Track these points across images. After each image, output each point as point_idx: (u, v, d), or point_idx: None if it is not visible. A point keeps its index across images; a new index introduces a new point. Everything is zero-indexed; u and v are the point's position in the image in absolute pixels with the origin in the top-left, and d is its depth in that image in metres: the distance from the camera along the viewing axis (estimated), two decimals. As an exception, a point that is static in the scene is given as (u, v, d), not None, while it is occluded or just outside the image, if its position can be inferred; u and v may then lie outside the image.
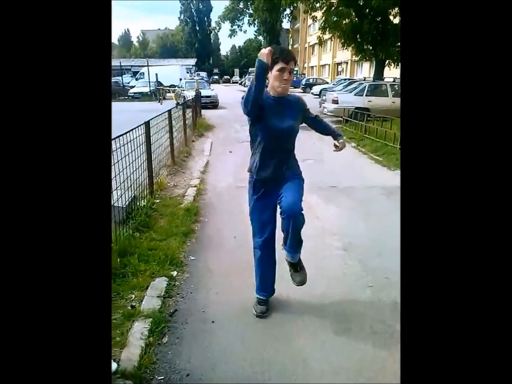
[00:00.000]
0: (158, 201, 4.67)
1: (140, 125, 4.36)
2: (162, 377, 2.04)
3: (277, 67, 2.26)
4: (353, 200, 5.03)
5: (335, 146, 2.57)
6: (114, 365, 2.02)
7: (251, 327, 2.47)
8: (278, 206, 2.37)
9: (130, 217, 3.86)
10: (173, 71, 28.94)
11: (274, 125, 2.33)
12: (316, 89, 24.73)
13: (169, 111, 6.49)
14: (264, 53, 2.07)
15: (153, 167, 4.84)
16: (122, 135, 3.69)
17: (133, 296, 2.71)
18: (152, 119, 4.92)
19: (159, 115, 5.60)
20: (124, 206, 3.83)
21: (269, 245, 2.54)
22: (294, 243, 2.38)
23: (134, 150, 3.99)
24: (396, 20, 15.24)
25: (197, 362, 2.15)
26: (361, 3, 14.65)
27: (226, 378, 2.04)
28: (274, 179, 2.40)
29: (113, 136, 3.18)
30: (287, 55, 2.29)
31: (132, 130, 4.02)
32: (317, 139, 9.88)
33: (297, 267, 2.53)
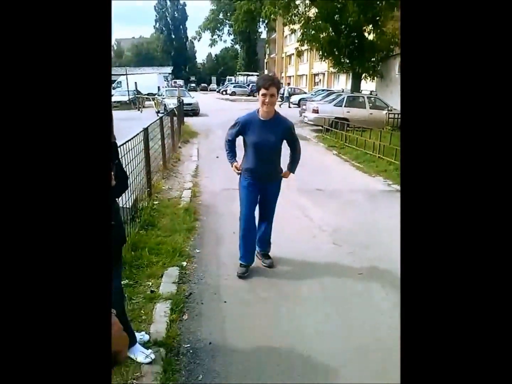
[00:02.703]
0: (157, 202, 4.94)
1: (139, 132, 4.60)
2: (188, 345, 2.35)
3: (260, 93, 2.90)
4: (339, 202, 5.46)
5: (284, 174, 3.33)
6: (146, 336, 2.32)
7: (257, 305, 2.82)
8: (258, 215, 3.39)
9: (135, 217, 4.13)
10: (150, 80, 28.92)
11: (259, 141, 3.01)
12: (294, 98, 25.46)
13: (161, 118, 6.77)
14: (235, 170, 3.21)
15: (150, 171, 5.11)
16: (125, 143, 3.88)
17: (150, 283, 3.00)
18: (149, 126, 5.19)
19: (153, 122, 5.88)
20: (129, 207, 4.09)
21: (250, 220, 3.28)
22: (266, 243, 3.50)
23: (137, 155, 4.25)
24: (371, 37, 16.12)
25: (216, 333, 2.48)
26: (337, 19, 15.43)
27: (240, 345, 2.39)
28: (257, 177, 3.15)
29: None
30: (266, 82, 2.89)
31: (133, 137, 4.19)
32: (301, 147, 10.37)
33: (268, 256, 3.51)
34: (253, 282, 3.16)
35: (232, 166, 3.23)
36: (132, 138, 4.07)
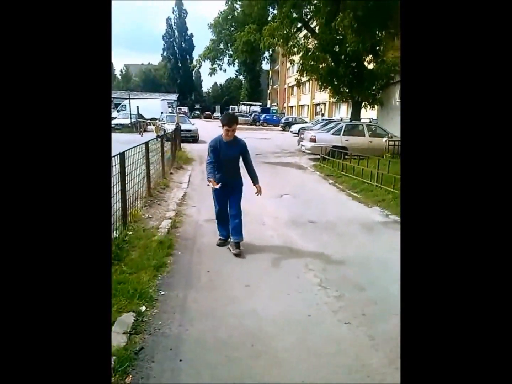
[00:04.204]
0: (131, 233, 4.53)
1: (114, 156, 4.28)
2: (122, 424, 1.87)
3: (224, 128, 4.24)
4: (332, 235, 5.02)
5: (256, 193, 4.40)
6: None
7: (221, 367, 2.33)
8: (228, 209, 4.43)
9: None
10: (154, 105, 29.22)
11: (225, 155, 4.26)
12: (294, 127, 25.43)
13: (146, 143, 6.46)
14: (212, 184, 4.11)
15: (126, 198, 4.73)
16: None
17: (97, 332, 2.54)
18: (126, 150, 4.87)
19: (135, 146, 5.56)
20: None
21: (223, 211, 4.48)
22: (238, 233, 4.34)
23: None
24: (371, 66, 16.12)
25: (162, 405, 2.00)
26: (336, 49, 15.47)
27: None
28: (226, 178, 4.26)
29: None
30: (229, 121, 4.25)
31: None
32: (297, 176, 10.04)
33: (238, 245, 4.31)
34: (221, 337, 2.69)
35: (210, 181, 4.14)
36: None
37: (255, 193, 4.29)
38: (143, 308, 2.90)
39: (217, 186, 4.04)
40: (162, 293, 3.22)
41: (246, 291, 3.35)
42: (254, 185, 4.39)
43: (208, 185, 7.92)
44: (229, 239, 4.45)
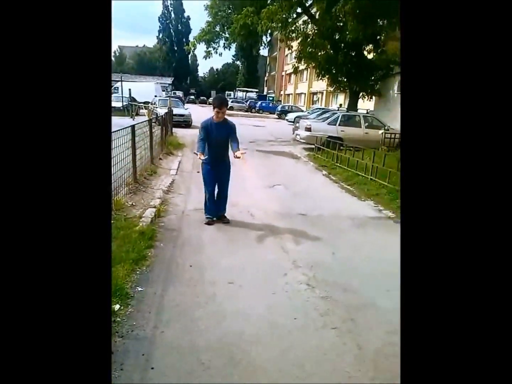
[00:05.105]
0: (111, 222, 4.28)
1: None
2: None
3: (215, 110, 4.55)
4: (322, 230, 4.82)
5: (236, 156, 4.47)
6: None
7: (194, 377, 2.13)
8: (216, 191, 4.84)
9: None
10: (148, 88, 28.55)
11: (214, 136, 4.55)
12: (290, 116, 25.07)
13: (133, 126, 6.15)
14: (199, 156, 4.47)
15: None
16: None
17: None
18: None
19: (121, 129, 5.27)
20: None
21: (212, 191, 4.79)
22: (223, 208, 4.90)
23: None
24: (370, 56, 15.80)
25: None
26: (336, 37, 15.09)
27: None
28: (215, 159, 4.61)
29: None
30: (219, 103, 4.57)
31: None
32: (290, 166, 9.80)
33: (224, 217, 4.89)
34: (195, 345, 2.48)
35: (198, 154, 4.45)
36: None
37: (235, 157, 4.49)
38: (117, 307, 2.69)
39: (203, 158, 4.44)
40: (139, 289, 3.01)
41: (229, 289, 3.15)
42: (235, 150, 4.54)
43: (198, 172, 7.79)
44: (214, 219, 4.84)
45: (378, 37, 15.02)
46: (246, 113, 36.36)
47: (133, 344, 2.34)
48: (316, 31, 15.44)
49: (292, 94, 46.67)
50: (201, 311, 2.77)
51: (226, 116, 4.69)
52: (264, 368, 2.23)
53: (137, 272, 3.27)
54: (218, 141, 4.57)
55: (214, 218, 4.82)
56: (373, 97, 17.26)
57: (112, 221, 4.29)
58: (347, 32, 13.47)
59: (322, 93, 34.59)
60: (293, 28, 15.51)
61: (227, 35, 16.69)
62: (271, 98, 46.73)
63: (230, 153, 4.71)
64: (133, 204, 5.23)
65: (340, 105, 17.61)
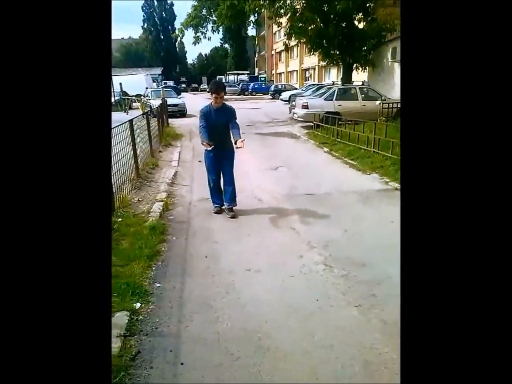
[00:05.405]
0: (120, 219, 4.25)
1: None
2: None
3: (213, 95, 4.46)
4: (331, 208, 4.78)
5: (237, 147, 4.40)
6: None
7: (225, 369, 2.13)
8: (222, 179, 4.69)
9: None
10: (138, 80, 28.16)
11: (214, 121, 4.46)
12: (285, 95, 24.73)
13: (131, 121, 6.07)
14: (206, 146, 4.32)
15: (112, 182, 4.42)
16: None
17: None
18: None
19: (119, 125, 5.18)
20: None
21: (217, 179, 4.67)
22: (232, 199, 4.66)
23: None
24: (361, 25, 15.43)
25: (163, 419, 1.80)
26: (325, 9, 14.70)
27: None
28: (217, 146, 4.37)
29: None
30: (217, 88, 4.44)
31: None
32: (290, 146, 9.70)
33: (232, 210, 4.66)
34: (221, 336, 2.48)
35: (205, 144, 4.32)
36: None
37: (236, 147, 4.40)
38: (138, 305, 2.68)
39: (210, 148, 4.28)
40: (158, 285, 3.00)
41: (247, 276, 3.14)
42: (237, 139, 4.42)
43: (200, 161, 7.71)
44: (223, 207, 4.72)
45: (367, 4, 14.64)
46: (240, 96, 35.95)
47: (160, 341, 2.34)
48: (304, 4, 15.05)
49: (284, 72, 46.00)
50: (222, 301, 2.76)
51: None
52: (293, 353, 2.23)
53: (153, 268, 3.26)
54: (219, 127, 4.49)
55: (223, 207, 4.70)
56: (367, 68, 16.94)
57: (121, 219, 4.27)
58: (336, 3, 13.13)
59: (314, 68, 34.07)
60: (281, 3, 15.12)
61: (214, 18, 16.27)
62: (263, 79, 46.07)
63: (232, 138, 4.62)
64: (140, 199, 5.19)
65: (333, 82, 17.28)
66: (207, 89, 41.70)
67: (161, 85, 33.91)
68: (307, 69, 36.95)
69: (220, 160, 4.58)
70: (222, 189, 4.71)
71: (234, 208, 4.67)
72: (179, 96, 22.21)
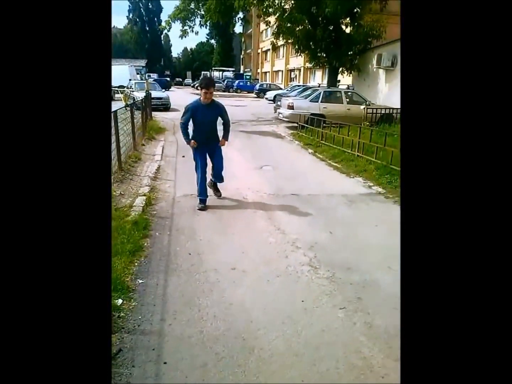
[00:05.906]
0: (101, 212, 4.13)
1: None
2: None
3: (202, 91, 4.42)
4: (315, 209, 4.80)
5: (220, 144, 4.73)
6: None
7: (209, 369, 2.09)
8: (211, 165, 4.82)
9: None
10: (122, 71, 27.55)
11: (202, 119, 4.51)
12: (270, 94, 24.75)
13: (115, 112, 5.92)
14: (191, 145, 4.59)
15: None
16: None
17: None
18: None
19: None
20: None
21: (203, 171, 4.63)
22: (219, 178, 4.91)
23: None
24: (348, 30, 15.59)
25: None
26: (314, 11, 14.79)
27: None
28: (205, 141, 4.58)
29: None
30: (206, 84, 4.45)
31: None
32: (275, 146, 9.70)
33: (218, 188, 5.05)
34: (205, 335, 2.44)
35: (190, 144, 4.56)
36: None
37: (220, 144, 4.73)
38: (120, 301, 2.60)
39: (195, 146, 4.54)
40: (140, 281, 2.92)
41: (232, 275, 3.10)
42: (223, 138, 4.74)
43: (183, 156, 7.61)
44: (206, 205, 4.74)
45: (356, 9, 14.80)
46: (224, 93, 35.73)
47: (142, 339, 2.27)
48: (293, 5, 15.09)
49: (269, 72, 46.01)
50: (207, 300, 2.72)
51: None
52: (278, 354, 2.21)
53: (136, 264, 3.17)
54: (208, 123, 4.53)
55: (208, 198, 4.77)
56: (352, 73, 17.15)
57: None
58: (325, 6, 13.20)
59: (300, 70, 34.20)
60: (270, 2, 15.10)
61: (202, 12, 16.11)
62: (248, 77, 45.97)
63: (220, 133, 4.76)
64: (121, 193, 5.07)
65: (319, 84, 17.40)
66: (197, 84, 41.39)
67: (146, 78, 33.38)
68: (293, 70, 37.07)
69: (208, 151, 4.70)
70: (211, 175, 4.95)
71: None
72: (163, 90, 21.88)
